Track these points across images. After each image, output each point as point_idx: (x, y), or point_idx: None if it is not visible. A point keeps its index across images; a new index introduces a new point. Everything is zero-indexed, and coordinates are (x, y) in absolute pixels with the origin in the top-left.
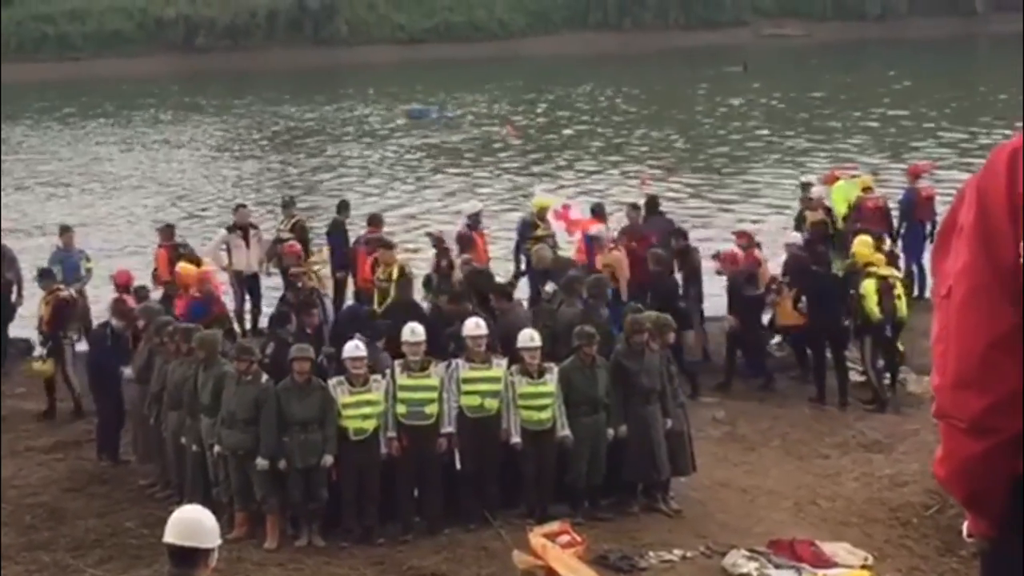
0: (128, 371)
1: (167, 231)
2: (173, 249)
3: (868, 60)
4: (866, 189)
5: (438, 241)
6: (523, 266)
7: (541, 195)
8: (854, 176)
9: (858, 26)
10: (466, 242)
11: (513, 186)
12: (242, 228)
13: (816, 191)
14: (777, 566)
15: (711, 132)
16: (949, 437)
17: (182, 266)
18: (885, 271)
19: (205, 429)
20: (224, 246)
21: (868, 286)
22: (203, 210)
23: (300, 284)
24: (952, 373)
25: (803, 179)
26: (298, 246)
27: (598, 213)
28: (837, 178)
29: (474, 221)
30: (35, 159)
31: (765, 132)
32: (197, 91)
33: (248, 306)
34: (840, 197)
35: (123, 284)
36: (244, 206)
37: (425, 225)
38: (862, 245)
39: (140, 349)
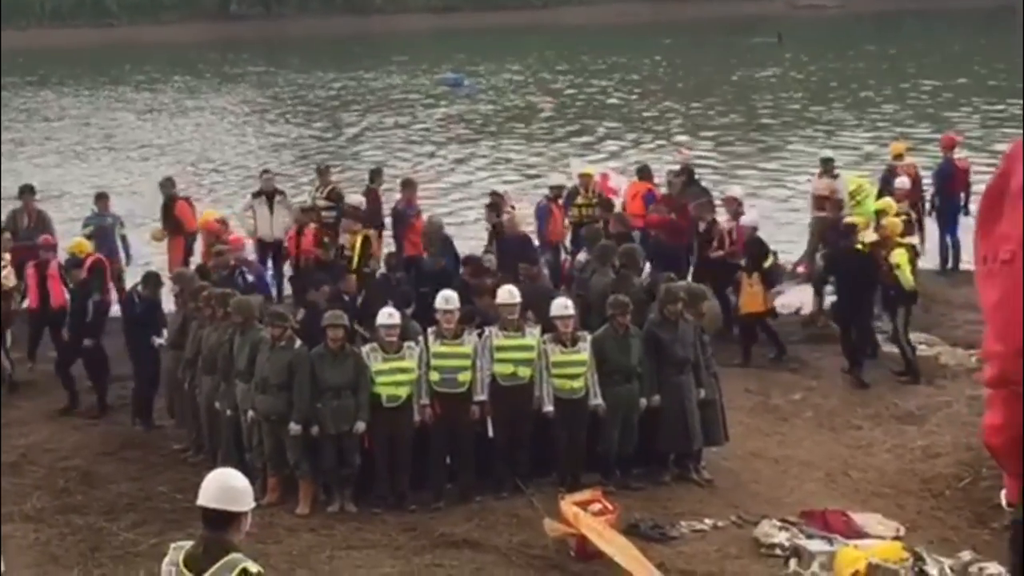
0: (159, 340)
1: (168, 184)
2: (186, 200)
3: (905, 31)
4: (898, 156)
5: (498, 200)
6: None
7: (579, 163)
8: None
9: None
10: (544, 214)
11: (547, 155)
12: (267, 194)
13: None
14: (809, 536)
15: (744, 102)
16: (1009, 405)
17: (206, 213)
18: (909, 241)
19: (240, 394)
20: (250, 211)
21: (901, 256)
22: (242, 178)
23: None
24: (1020, 339)
25: (824, 155)
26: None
27: (645, 175)
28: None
29: (555, 193)
30: (67, 124)
31: (799, 103)
32: (231, 59)
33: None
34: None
35: None
36: (268, 171)
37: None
38: (894, 218)
39: (175, 314)
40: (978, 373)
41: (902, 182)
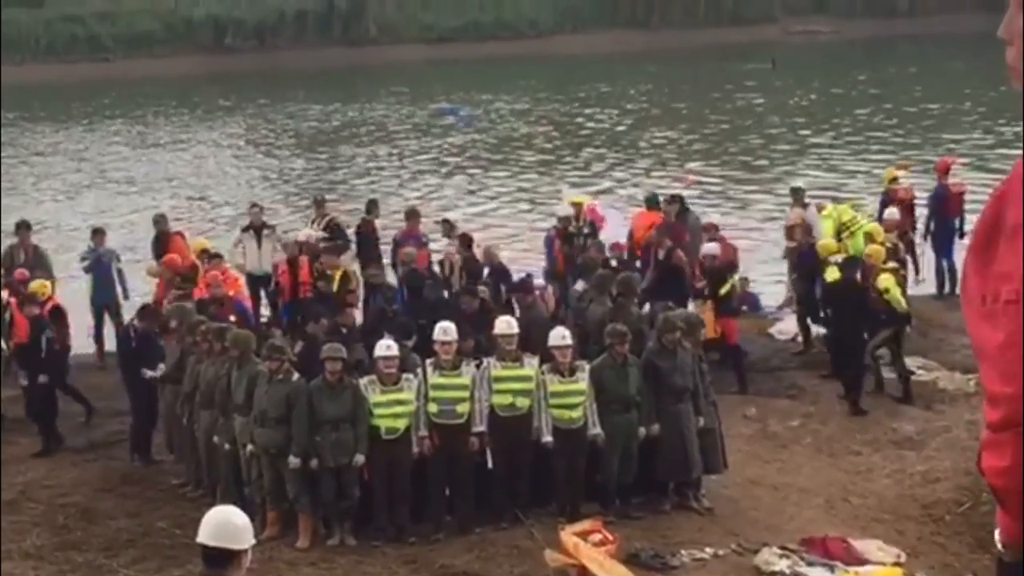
0: (150, 372)
1: (162, 219)
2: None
3: (898, 56)
4: (892, 180)
5: (448, 228)
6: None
7: (572, 193)
8: (841, 205)
9: (887, 22)
10: (552, 245)
11: (542, 183)
12: (256, 228)
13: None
14: (810, 564)
15: (739, 129)
16: (1016, 448)
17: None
18: (892, 265)
19: (238, 428)
20: (240, 246)
21: (888, 280)
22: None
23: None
24: None
25: (794, 185)
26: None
27: (654, 205)
28: (822, 207)
29: (563, 224)
30: (63, 160)
31: (794, 129)
32: (226, 91)
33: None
34: (828, 227)
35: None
36: (257, 206)
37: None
38: (878, 246)
39: (172, 349)
40: (976, 398)
41: (891, 213)
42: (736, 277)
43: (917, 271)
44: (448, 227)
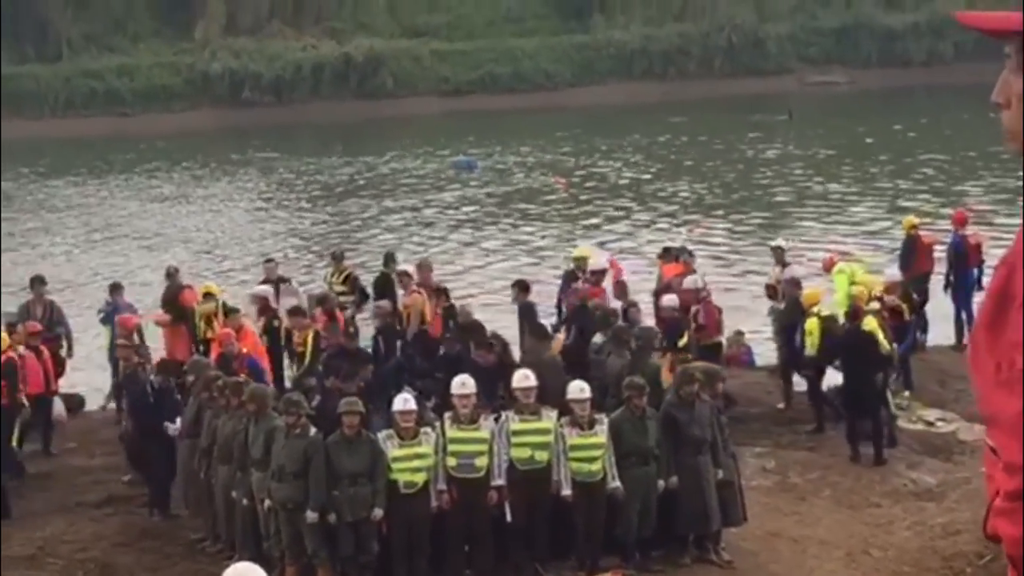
0: (172, 426)
1: (173, 273)
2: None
3: (914, 106)
4: (912, 228)
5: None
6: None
7: (583, 246)
8: (851, 261)
9: (903, 73)
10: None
11: (560, 236)
12: (271, 282)
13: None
14: None
15: (753, 180)
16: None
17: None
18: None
19: (256, 483)
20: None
21: (871, 323)
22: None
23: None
24: None
25: (774, 244)
26: (134, 319)
27: (682, 258)
28: (834, 262)
29: (597, 278)
30: (77, 214)
31: (809, 179)
32: (243, 145)
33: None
34: (842, 282)
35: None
36: (272, 260)
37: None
38: (860, 287)
39: (189, 403)
40: None
41: (891, 273)
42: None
43: (925, 330)
44: (407, 279)
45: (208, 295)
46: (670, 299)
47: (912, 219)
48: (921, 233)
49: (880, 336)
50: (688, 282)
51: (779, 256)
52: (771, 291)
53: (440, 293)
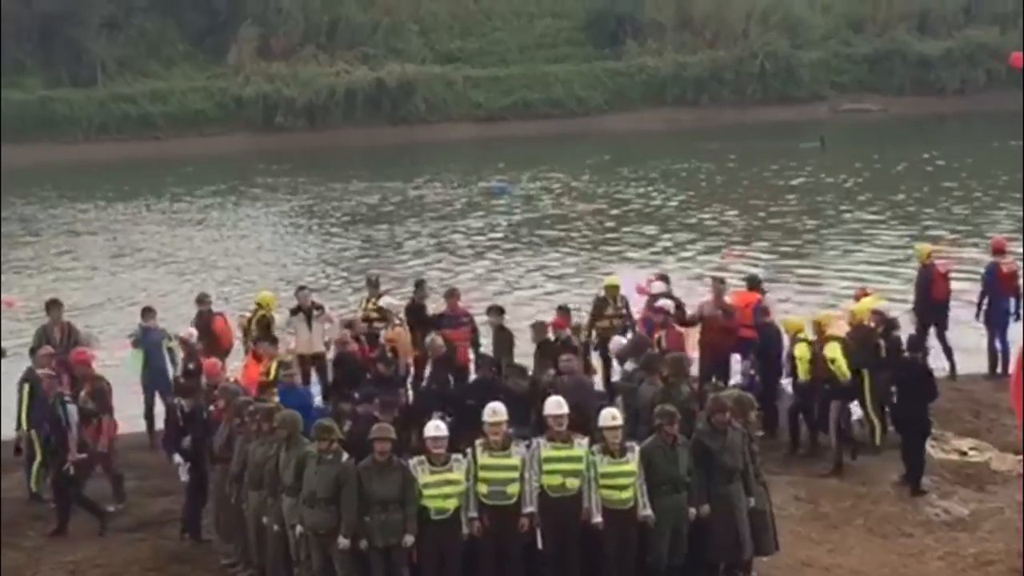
0: (177, 457)
1: (205, 299)
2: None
3: (946, 133)
4: (927, 256)
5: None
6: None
7: (614, 274)
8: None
9: (936, 100)
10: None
11: (590, 263)
12: (304, 310)
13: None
14: None
15: (784, 207)
16: None
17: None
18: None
19: (287, 509)
20: (290, 329)
21: (834, 349)
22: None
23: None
24: None
25: (750, 274)
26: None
27: (755, 285)
28: (866, 294)
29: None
30: (106, 237)
31: (842, 207)
32: (276, 170)
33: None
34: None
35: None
36: (305, 287)
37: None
38: (825, 313)
39: (220, 429)
40: None
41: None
42: None
43: (949, 357)
44: (388, 314)
45: (261, 305)
46: (618, 341)
47: (927, 247)
48: (937, 262)
49: (843, 365)
50: (660, 303)
51: (755, 285)
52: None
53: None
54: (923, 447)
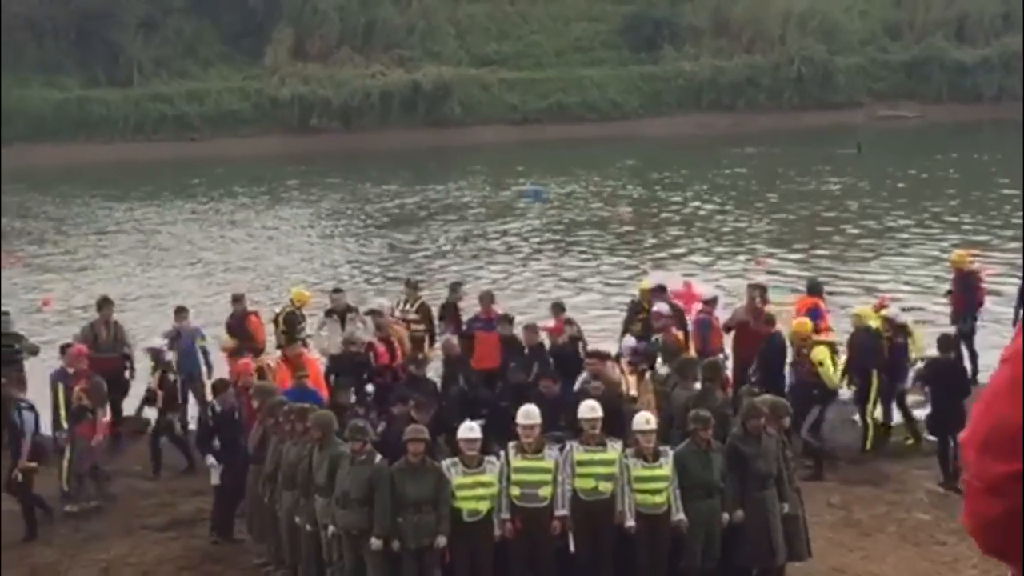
0: (210, 458)
1: (240, 299)
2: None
3: (983, 140)
4: (960, 262)
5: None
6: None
7: (650, 277)
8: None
9: (973, 108)
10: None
11: (624, 266)
12: (338, 312)
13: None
14: None
15: (820, 214)
16: (969, 496)
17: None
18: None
19: (320, 509)
20: (324, 330)
21: (823, 353)
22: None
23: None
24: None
25: (752, 282)
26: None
27: (816, 290)
28: (885, 305)
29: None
30: (139, 237)
31: (878, 214)
32: (311, 171)
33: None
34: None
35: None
36: (340, 290)
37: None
38: (802, 319)
39: (254, 429)
40: None
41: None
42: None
43: (974, 362)
44: (379, 317)
45: (293, 302)
46: (660, 306)
47: (962, 253)
48: (970, 268)
49: (831, 369)
50: (657, 307)
51: (758, 294)
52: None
53: (504, 321)
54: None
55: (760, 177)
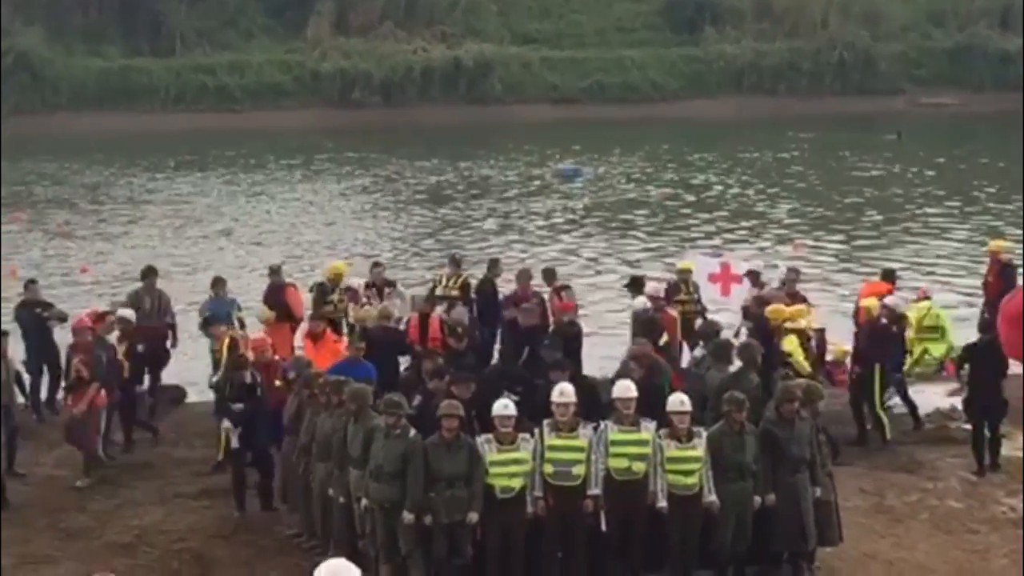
0: (226, 422)
1: (277, 270)
2: (293, 287)
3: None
4: (999, 250)
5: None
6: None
7: (687, 259)
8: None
9: (1015, 96)
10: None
11: (662, 247)
12: (377, 286)
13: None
14: None
15: (858, 200)
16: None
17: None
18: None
19: (353, 482)
20: (365, 302)
21: (791, 343)
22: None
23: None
24: None
25: (749, 267)
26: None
27: (889, 277)
28: (927, 297)
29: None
30: (180, 208)
31: (918, 201)
32: (351, 145)
33: None
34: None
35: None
36: (380, 264)
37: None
38: (777, 306)
39: (290, 400)
40: None
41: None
42: None
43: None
44: (354, 293)
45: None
46: (642, 301)
47: (1001, 243)
48: (1005, 256)
49: (800, 358)
50: (649, 288)
51: (755, 279)
52: (746, 312)
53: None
54: (999, 426)
55: (800, 162)
